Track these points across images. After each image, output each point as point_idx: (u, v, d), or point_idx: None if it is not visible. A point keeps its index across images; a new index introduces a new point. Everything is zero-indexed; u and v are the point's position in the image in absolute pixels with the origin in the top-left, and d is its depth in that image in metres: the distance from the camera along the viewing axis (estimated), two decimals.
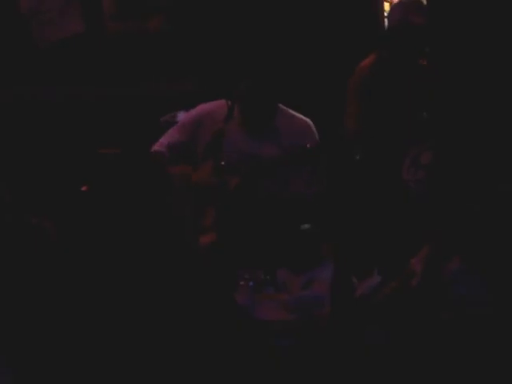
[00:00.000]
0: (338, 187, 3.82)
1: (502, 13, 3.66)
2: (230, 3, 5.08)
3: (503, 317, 2.98)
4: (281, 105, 3.89)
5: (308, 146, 3.65)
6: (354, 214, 3.61)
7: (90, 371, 2.91)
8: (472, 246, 3.21)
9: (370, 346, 2.96)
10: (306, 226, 3.53)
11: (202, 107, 3.96)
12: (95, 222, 3.33)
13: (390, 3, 5.09)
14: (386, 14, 5.07)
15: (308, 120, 3.91)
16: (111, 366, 2.93)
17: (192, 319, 2.99)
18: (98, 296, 3.03)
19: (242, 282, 3.30)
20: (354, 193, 3.78)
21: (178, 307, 3.01)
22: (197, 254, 3.38)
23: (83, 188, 3.52)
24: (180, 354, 2.94)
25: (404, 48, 4.32)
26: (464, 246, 3.22)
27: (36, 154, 4.72)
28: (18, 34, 5.04)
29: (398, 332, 2.98)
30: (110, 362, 2.93)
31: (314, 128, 3.89)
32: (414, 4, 4.42)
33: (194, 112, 3.97)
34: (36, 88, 4.98)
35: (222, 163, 3.69)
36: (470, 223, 3.26)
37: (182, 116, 4.10)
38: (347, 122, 4.32)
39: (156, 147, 3.92)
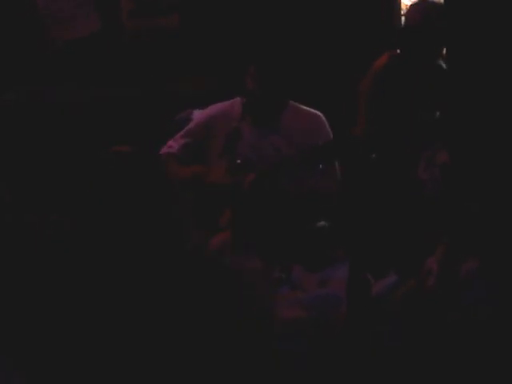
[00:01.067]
0: (353, 186, 3.81)
1: None
2: (246, 1, 5.09)
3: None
4: (292, 101, 3.88)
5: (321, 142, 3.63)
6: (370, 213, 3.61)
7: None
8: (486, 246, 3.21)
9: (383, 346, 2.96)
10: (322, 223, 3.53)
11: (215, 107, 3.95)
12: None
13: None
14: (402, 13, 5.07)
15: (320, 114, 3.89)
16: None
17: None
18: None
19: (255, 279, 3.29)
20: (370, 192, 3.78)
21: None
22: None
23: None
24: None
25: (423, 48, 4.31)
26: (478, 245, 3.22)
27: (55, 152, 4.74)
28: (34, 32, 5.05)
29: (411, 332, 2.98)
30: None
31: (326, 122, 3.87)
32: (435, 6, 4.42)
33: (206, 112, 3.96)
34: (50, 87, 5.00)
35: (238, 161, 3.69)
36: (482, 223, 3.26)
37: (197, 114, 4.10)
38: (360, 123, 4.31)
39: (167, 148, 3.90)
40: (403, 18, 4.98)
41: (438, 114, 4.23)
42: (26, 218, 3.41)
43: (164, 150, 3.91)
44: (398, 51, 4.37)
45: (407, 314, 3.03)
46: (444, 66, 4.31)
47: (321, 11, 5.17)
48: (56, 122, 4.87)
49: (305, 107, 3.89)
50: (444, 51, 4.37)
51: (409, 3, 5.03)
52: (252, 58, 3.80)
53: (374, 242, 3.37)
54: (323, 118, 3.87)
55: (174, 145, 3.90)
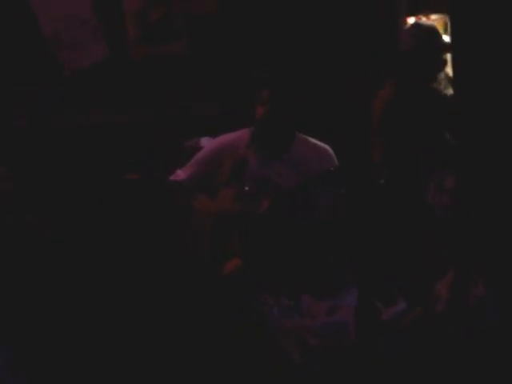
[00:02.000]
0: (362, 211, 3.80)
1: None
2: (251, 29, 5.11)
3: None
4: (299, 132, 3.89)
5: (329, 170, 3.64)
6: (378, 239, 3.60)
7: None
8: (496, 271, 3.19)
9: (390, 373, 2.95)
10: (331, 250, 3.52)
11: (224, 137, 3.97)
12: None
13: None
14: None
15: (327, 147, 3.91)
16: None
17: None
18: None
19: (266, 308, 3.28)
20: (379, 218, 3.77)
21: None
22: (215, 280, 3.38)
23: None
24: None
25: (420, 72, 4.32)
26: (488, 270, 3.20)
27: (60, 178, 4.75)
28: (43, 59, 5.08)
29: (420, 357, 2.96)
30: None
31: (333, 155, 3.89)
32: (427, 28, 4.43)
33: (215, 142, 3.99)
34: (60, 113, 5.02)
35: (246, 188, 3.69)
36: (492, 247, 3.25)
37: (205, 141, 4.11)
38: (373, 150, 4.32)
39: (175, 176, 3.92)
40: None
41: (444, 138, 4.23)
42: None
43: (172, 178, 3.93)
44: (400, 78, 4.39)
45: (415, 340, 3.01)
46: (439, 89, 4.32)
47: (332, 41, 5.19)
48: (65, 147, 4.89)
49: (313, 139, 3.91)
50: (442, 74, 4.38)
51: None
52: (264, 84, 3.82)
53: (383, 269, 3.36)
54: (330, 151, 3.89)
55: (182, 174, 3.91)
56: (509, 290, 3.13)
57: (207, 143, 4.09)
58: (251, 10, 5.20)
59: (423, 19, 5.23)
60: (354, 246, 3.56)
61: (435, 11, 5.16)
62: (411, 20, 5.27)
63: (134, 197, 3.54)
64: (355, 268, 3.42)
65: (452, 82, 4.29)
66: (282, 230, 3.55)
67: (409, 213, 3.83)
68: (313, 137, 3.93)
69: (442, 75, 4.69)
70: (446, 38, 4.87)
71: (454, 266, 3.16)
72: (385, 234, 3.65)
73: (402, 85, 4.37)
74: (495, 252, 3.26)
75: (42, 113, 5.00)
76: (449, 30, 4.57)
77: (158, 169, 4.08)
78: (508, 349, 2.95)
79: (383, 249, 3.52)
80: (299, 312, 3.25)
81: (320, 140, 3.94)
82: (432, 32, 4.39)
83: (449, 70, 4.70)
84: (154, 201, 3.55)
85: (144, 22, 5.01)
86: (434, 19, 5.14)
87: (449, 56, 4.68)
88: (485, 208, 3.47)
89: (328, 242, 3.54)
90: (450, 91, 4.52)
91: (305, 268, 3.43)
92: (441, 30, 4.98)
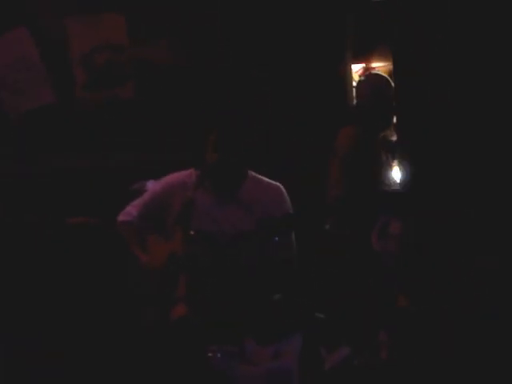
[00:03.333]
0: (307, 257, 3.80)
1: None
2: (198, 75, 5.15)
3: None
4: (250, 171, 3.88)
5: (279, 215, 3.63)
6: (322, 285, 3.60)
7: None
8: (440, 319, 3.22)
9: None
10: (277, 296, 3.51)
11: (172, 177, 3.94)
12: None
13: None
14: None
15: (279, 186, 3.88)
16: None
17: None
18: None
19: (209, 354, 3.26)
20: (324, 263, 3.77)
21: None
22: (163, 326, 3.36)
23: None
24: None
25: (378, 119, 4.41)
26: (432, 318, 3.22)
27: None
28: None
29: None
30: None
31: (285, 194, 3.86)
32: (383, 79, 4.54)
33: (163, 181, 3.96)
34: (6, 158, 4.98)
35: (192, 233, 3.66)
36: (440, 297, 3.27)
37: (151, 184, 4.09)
38: (330, 188, 4.37)
39: (124, 216, 3.88)
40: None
41: (389, 184, 4.28)
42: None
43: (121, 218, 3.89)
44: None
45: None
46: (390, 137, 4.40)
47: (279, 88, 5.24)
48: (9, 193, 4.84)
49: (264, 178, 3.89)
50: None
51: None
52: (212, 126, 3.82)
53: (326, 314, 3.36)
54: (283, 190, 3.86)
55: (131, 213, 3.88)
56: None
57: (153, 186, 4.06)
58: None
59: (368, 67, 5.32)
60: (299, 291, 3.55)
61: (379, 60, 5.26)
62: (356, 68, 5.37)
63: (81, 240, 3.52)
64: (299, 314, 3.42)
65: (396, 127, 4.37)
66: (231, 276, 3.53)
67: (355, 258, 3.84)
68: (264, 175, 3.92)
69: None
70: None
71: (396, 313, 3.18)
72: (330, 279, 3.65)
73: (362, 131, 4.45)
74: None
75: None
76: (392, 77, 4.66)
77: (105, 211, 4.05)
78: None
79: (328, 294, 3.52)
80: (243, 358, 3.23)
81: (272, 178, 3.93)
82: (387, 81, 4.51)
83: None
84: (101, 243, 3.54)
85: (90, 66, 5.01)
86: (378, 67, 5.23)
87: None
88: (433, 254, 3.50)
89: (274, 287, 3.53)
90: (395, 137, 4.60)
91: (250, 313, 3.42)
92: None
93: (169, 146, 5.04)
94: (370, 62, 5.32)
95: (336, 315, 3.34)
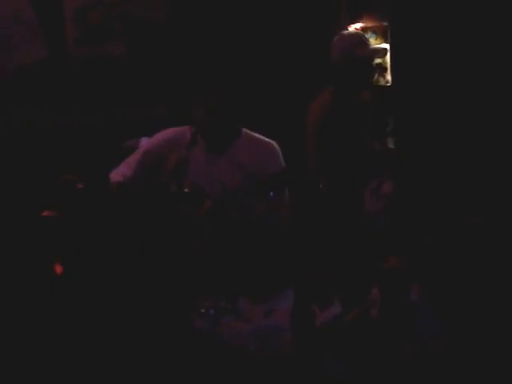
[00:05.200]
0: (301, 216, 3.82)
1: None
2: (191, 31, 5.12)
3: (457, 350, 3.00)
4: (244, 129, 3.87)
5: (272, 171, 3.63)
6: (315, 243, 3.62)
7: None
8: (429, 277, 3.24)
9: (326, 376, 2.96)
10: (270, 253, 3.53)
11: (165, 133, 3.93)
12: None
13: None
14: None
15: (272, 142, 3.87)
16: None
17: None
18: None
19: (202, 310, 3.28)
20: (317, 222, 3.79)
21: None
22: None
23: (44, 213, 3.50)
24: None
25: (350, 81, 4.34)
26: (422, 276, 3.25)
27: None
28: None
29: (354, 361, 2.98)
30: None
31: (278, 151, 3.85)
32: (356, 37, 4.43)
33: (155, 138, 3.94)
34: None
35: (186, 190, 3.66)
36: (427, 254, 3.29)
37: (144, 142, 4.08)
38: (308, 159, 4.34)
39: (115, 175, 3.86)
40: None
41: (377, 143, 4.28)
42: None
43: (113, 176, 3.88)
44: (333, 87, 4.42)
45: (349, 343, 3.03)
46: (367, 99, 4.36)
47: (268, 43, 5.22)
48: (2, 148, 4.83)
49: (258, 135, 3.88)
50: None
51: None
52: (199, 85, 3.81)
53: (318, 271, 3.38)
54: (276, 146, 3.85)
55: (124, 173, 3.86)
56: (443, 295, 3.18)
57: (146, 142, 4.05)
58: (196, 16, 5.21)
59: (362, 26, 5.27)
60: (291, 248, 3.57)
61: (374, 19, 5.21)
62: (352, 28, 5.33)
63: (72, 198, 3.52)
64: (292, 271, 3.44)
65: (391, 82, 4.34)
66: (221, 232, 3.54)
67: (346, 217, 3.86)
68: (257, 132, 3.91)
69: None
70: (383, 44, 4.93)
71: (387, 272, 3.20)
72: (322, 237, 3.67)
73: (337, 93, 4.40)
74: (430, 257, 3.31)
75: None
76: (388, 35, 4.62)
77: (100, 169, 4.05)
78: (446, 354, 3.00)
79: (320, 252, 3.54)
80: (236, 315, 3.25)
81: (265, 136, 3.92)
82: (358, 40, 4.39)
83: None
84: (93, 202, 3.53)
85: (83, 22, 4.97)
86: (373, 26, 5.18)
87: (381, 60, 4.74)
88: (421, 214, 3.52)
89: (267, 245, 3.55)
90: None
91: (243, 270, 3.44)
92: (380, 36, 5.03)
93: (161, 101, 5.03)
94: (367, 23, 5.28)
95: (328, 273, 3.36)
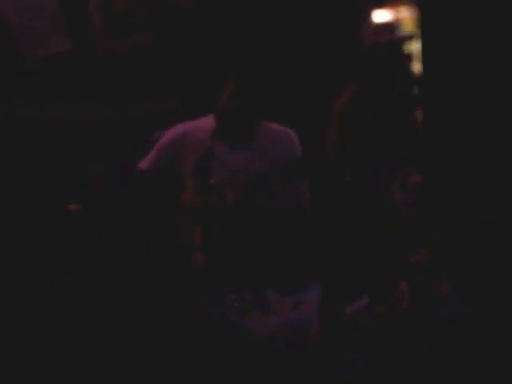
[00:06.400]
0: (327, 207, 3.80)
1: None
2: (217, 22, 5.10)
3: (487, 341, 2.98)
4: (263, 120, 3.89)
5: (291, 159, 3.66)
6: (343, 235, 3.60)
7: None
8: (460, 270, 3.22)
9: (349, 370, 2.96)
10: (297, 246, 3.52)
11: (186, 124, 3.94)
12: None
13: None
14: None
15: (290, 131, 3.91)
16: None
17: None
18: None
19: (229, 303, 3.28)
20: (344, 214, 3.77)
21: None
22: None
23: (70, 206, 3.51)
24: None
25: (378, 72, 4.31)
26: (453, 269, 3.23)
27: (23, 170, 4.70)
28: (6, 48, 5.02)
29: (380, 356, 2.98)
30: None
31: (296, 139, 3.89)
32: (382, 26, 4.42)
33: (176, 129, 3.95)
34: (24, 104, 4.96)
35: (212, 181, 3.67)
36: (457, 246, 3.27)
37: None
38: (333, 141, 4.32)
39: (141, 165, 3.89)
40: None
41: (409, 135, 4.24)
42: None
43: (139, 165, 3.90)
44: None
45: (377, 338, 3.02)
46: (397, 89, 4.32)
47: (291, 34, 5.19)
48: (28, 138, 4.84)
49: (275, 125, 3.91)
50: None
51: None
52: (229, 75, 3.81)
53: (346, 265, 3.36)
54: (294, 135, 3.89)
55: (148, 160, 3.89)
56: (473, 288, 3.16)
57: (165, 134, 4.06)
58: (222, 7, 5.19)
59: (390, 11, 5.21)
60: (319, 242, 3.56)
61: (402, 2, 5.14)
62: (378, 13, 5.26)
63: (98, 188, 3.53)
64: (319, 264, 3.43)
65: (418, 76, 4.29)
66: (248, 223, 3.54)
67: (373, 210, 3.83)
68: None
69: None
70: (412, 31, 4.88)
71: (417, 266, 3.18)
72: (350, 230, 3.65)
73: (364, 84, 4.37)
74: (458, 250, 3.29)
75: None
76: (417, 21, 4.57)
77: (124, 161, 4.06)
78: (475, 346, 2.98)
79: (348, 245, 3.52)
80: (262, 308, 3.25)
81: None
82: (386, 30, 4.38)
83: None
84: (118, 192, 3.54)
85: (108, 12, 4.97)
86: (402, 11, 5.11)
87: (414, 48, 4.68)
88: (449, 206, 3.49)
89: (293, 238, 3.54)
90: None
91: (270, 263, 3.43)
92: (409, 23, 4.97)
93: (189, 94, 5.01)
94: (394, 9, 5.21)
95: (356, 266, 3.35)
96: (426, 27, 4.04)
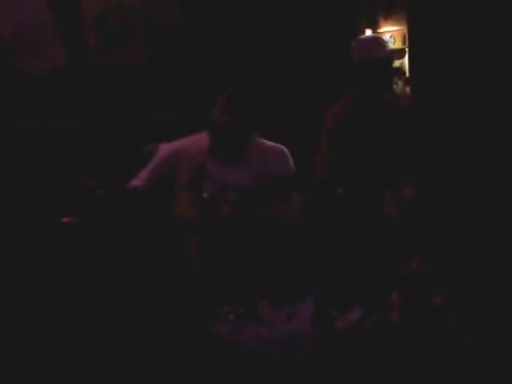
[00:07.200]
0: (320, 220, 3.82)
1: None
2: (210, 38, 5.14)
3: (483, 351, 2.98)
4: (256, 137, 3.90)
5: (283, 175, 3.66)
6: (335, 247, 3.61)
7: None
8: (454, 280, 3.23)
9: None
10: (289, 257, 3.53)
11: (180, 142, 3.96)
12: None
13: None
14: None
15: (283, 148, 3.91)
16: None
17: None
18: None
19: (222, 315, 3.28)
20: (336, 225, 3.78)
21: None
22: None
23: (63, 219, 3.52)
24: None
25: (370, 83, 4.34)
26: (447, 279, 3.24)
27: (15, 182, 4.71)
28: (1, 61, 5.05)
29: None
30: None
31: (289, 156, 3.89)
32: (373, 40, 4.48)
33: (171, 146, 3.97)
34: (19, 117, 4.98)
35: (205, 195, 3.68)
36: (451, 255, 3.28)
37: (162, 148, 4.09)
38: (319, 157, 4.34)
39: (135, 181, 3.89)
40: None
41: (402, 147, 4.26)
42: None
43: (133, 181, 3.90)
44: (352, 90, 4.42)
45: (370, 348, 3.03)
46: (389, 101, 4.35)
47: (286, 48, 5.23)
48: (24, 149, 4.86)
49: (268, 141, 3.91)
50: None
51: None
52: (223, 88, 3.83)
53: (339, 276, 3.37)
54: (286, 152, 3.89)
55: (142, 176, 3.89)
56: (469, 298, 3.17)
57: (162, 149, 4.07)
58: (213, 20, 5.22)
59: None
60: (311, 253, 3.57)
61: (392, 25, 5.22)
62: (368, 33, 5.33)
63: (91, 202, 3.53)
64: (312, 275, 3.43)
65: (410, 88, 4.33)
66: (241, 236, 3.55)
67: (366, 221, 3.85)
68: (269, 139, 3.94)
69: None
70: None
71: (409, 276, 3.19)
72: (342, 241, 3.66)
73: (356, 96, 4.40)
74: (455, 261, 3.30)
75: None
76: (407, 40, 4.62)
77: (117, 176, 4.06)
78: (470, 355, 2.98)
79: (340, 256, 3.54)
80: (256, 320, 3.25)
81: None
82: (378, 43, 4.42)
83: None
84: (111, 207, 3.55)
85: (103, 28, 5.00)
86: (393, 31, 5.19)
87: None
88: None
89: (286, 249, 3.55)
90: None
91: (263, 275, 3.44)
92: (399, 41, 5.04)
93: (182, 104, 5.04)
94: (384, 27, 5.29)
95: (348, 277, 3.36)
96: (414, 44, 4.09)
